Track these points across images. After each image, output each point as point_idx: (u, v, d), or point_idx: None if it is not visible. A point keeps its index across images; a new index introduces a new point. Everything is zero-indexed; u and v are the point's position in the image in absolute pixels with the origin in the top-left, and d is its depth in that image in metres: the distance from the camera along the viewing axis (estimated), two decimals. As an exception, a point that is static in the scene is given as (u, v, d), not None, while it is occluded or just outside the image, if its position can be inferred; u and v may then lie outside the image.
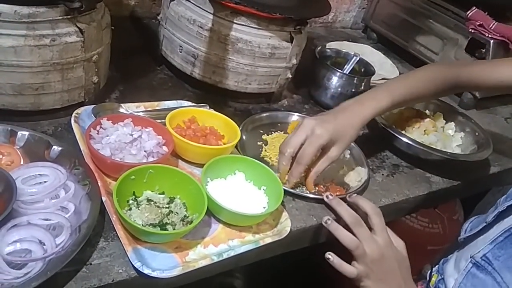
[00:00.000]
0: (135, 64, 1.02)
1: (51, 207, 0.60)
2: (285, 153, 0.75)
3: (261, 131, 0.91)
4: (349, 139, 0.78)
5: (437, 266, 0.83)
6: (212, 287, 1.51)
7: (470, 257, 0.71)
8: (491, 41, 1.22)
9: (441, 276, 0.79)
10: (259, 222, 0.70)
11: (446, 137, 1.02)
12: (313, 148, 0.74)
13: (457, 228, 1.45)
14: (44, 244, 0.55)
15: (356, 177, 0.86)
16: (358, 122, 0.79)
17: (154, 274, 0.55)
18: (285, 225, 0.70)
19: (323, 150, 0.77)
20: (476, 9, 1.26)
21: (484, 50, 1.24)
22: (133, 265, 0.56)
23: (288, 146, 0.75)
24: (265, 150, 0.87)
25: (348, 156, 0.93)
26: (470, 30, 1.26)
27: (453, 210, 1.44)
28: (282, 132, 0.93)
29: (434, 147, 0.95)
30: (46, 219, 0.58)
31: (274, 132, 0.92)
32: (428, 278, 0.83)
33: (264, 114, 0.95)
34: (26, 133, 0.68)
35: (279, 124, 0.95)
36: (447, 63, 1.25)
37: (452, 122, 1.08)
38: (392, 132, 0.94)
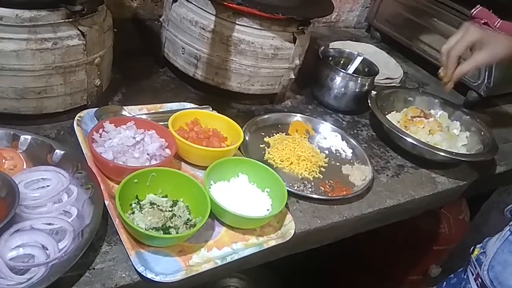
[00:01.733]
0: (138, 66, 1.01)
1: (54, 211, 0.60)
2: (442, 51, 0.91)
3: (263, 133, 0.91)
4: (498, 52, 0.87)
5: (480, 244, 0.83)
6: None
7: (508, 212, 0.76)
8: (496, 39, 1.21)
9: (483, 249, 0.80)
10: (263, 225, 0.69)
11: (451, 136, 1.01)
12: (464, 42, 0.87)
13: (463, 228, 1.44)
14: (47, 249, 0.55)
15: (360, 175, 0.85)
16: (510, 45, 0.88)
17: (157, 278, 0.55)
18: (289, 228, 0.69)
19: (472, 52, 0.88)
20: (481, 7, 1.24)
21: (489, 48, 1.23)
22: (136, 270, 0.56)
23: (446, 43, 0.91)
24: (268, 153, 0.86)
25: (351, 155, 0.92)
26: (475, 28, 1.24)
27: (459, 210, 1.43)
28: (284, 133, 0.92)
29: (439, 147, 0.94)
30: (49, 224, 0.58)
31: (276, 134, 0.91)
32: (471, 251, 0.84)
33: (266, 116, 0.94)
34: (29, 137, 0.68)
35: (279, 126, 0.95)
36: None
37: (457, 122, 1.07)
38: (397, 133, 0.94)
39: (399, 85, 1.24)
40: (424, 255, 1.45)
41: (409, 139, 0.93)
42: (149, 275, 0.55)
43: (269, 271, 1.61)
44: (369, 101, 1.01)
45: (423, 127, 1.00)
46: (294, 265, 1.66)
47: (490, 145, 0.99)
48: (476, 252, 0.81)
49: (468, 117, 1.08)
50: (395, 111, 1.08)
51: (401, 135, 0.93)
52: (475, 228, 1.56)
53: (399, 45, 1.49)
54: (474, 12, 1.25)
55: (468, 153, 1.00)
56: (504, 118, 1.29)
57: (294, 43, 0.92)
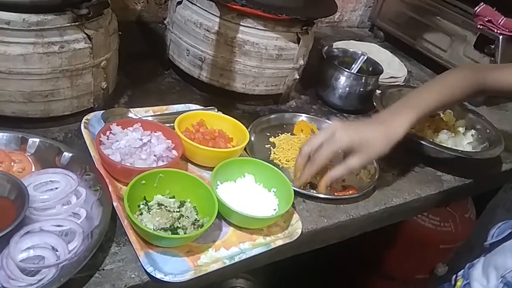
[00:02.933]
0: (143, 68, 1.02)
1: (63, 213, 0.61)
2: (302, 152, 0.75)
3: (268, 134, 0.91)
4: (373, 153, 0.74)
5: (462, 271, 0.81)
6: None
7: (501, 277, 0.69)
8: (500, 37, 1.21)
9: (466, 280, 0.78)
10: (270, 225, 0.69)
11: (457, 134, 1.01)
12: (328, 150, 0.72)
13: (469, 226, 1.44)
14: (57, 251, 0.56)
15: (366, 174, 0.86)
16: (387, 139, 0.75)
17: (166, 278, 0.56)
18: (296, 227, 0.69)
19: (345, 156, 0.75)
20: (484, 4, 1.24)
21: (493, 46, 1.23)
22: (145, 270, 0.56)
23: (307, 144, 0.75)
24: (274, 153, 0.87)
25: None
26: (479, 26, 1.25)
27: (465, 208, 1.43)
28: (289, 133, 0.93)
29: (445, 145, 0.94)
30: (59, 226, 0.59)
31: (281, 134, 0.92)
32: (453, 282, 0.82)
33: (271, 116, 0.95)
34: (37, 140, 0.69)
35: (284, 126, 0.95)
36: (470, 66, 1.19)
37: (463, 120, 1.07)
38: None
39: (403, 84, 1.24)
40: (431, 253, 1.45)
41: (415, 138, 0.93)
42: (158, 275, 0.55)
43: (275, 271, 1.61)
44: (373, 100, 1.01)
45: (429, 126, 1.00)
46: (300, 265, 1.66)
47: (496, 143, 0.99)
48: (459, 284, 0.80)
49: (473, 115, 1.08)
50: None
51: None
52: (481, 226, 1.56)
53: (403, 44, 1.49)
54: (478, 10, 1.25)
55: (473, 151, 1.00)
56: (509, 116, 1.29)
57: (298, 43, 0.93)
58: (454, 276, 0.83)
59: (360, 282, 1.56)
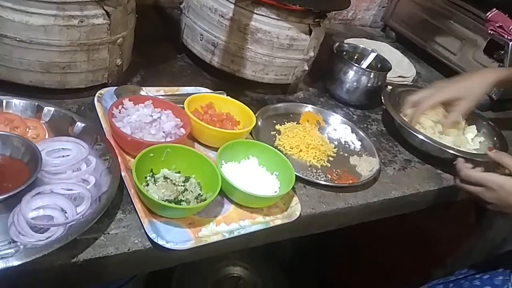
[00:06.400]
0: (157, 51, 1.04)
1: (73, 178, 0.63)
2: (410, 100, 0.97)
3: (274, 121, 0.93)
4: (475, 97, 0.93)
5: None
6: (219, 276, 1.54)
7: None
8: (510, 43, 1.22)
9: None
10: (270, 205, 0.72)
11: (464, 139, 1.03)
12: (433, 100, 0.94)
13: (468, 230, 1.45)
14: (65, 212, 0.58)
15: (367, 166, 0.87)
16: (483, 83, 0.94)
17: (168, 245, 0.58)
18: (295, 209, 0.72)
19: (452, 104, 0.95)
20: (497, 10, 1.25)
21: (502, 52, 1.24)
22: (148, 237, 0.59)
23: (415, 95, 0.97)
24: (279, 139, 0.89)
25: (360, 147, 0.94)
26: (489, 31, 1.25)
27: (465, 213, 1.44)
28: (295, 122, 0.95)
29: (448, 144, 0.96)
30: (68, 189, 0.61)
31: (287, 123, 0.94)
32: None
33: (278, 105, 0.97)
34: (52, 108, 0.71)
35: (291, 115, 0.97)
36: None
37: (474, 125, 1.08)
38: (407, 128, 0.95)
39: (411, 83, 1.26)
40: (429, 256, 1.46)
41: (420, 136, 0.94)
42: (161, 242, 0.58)
43: (273, 262, 1.63)
44: (382, 96, 1.03)
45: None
46: (298, 258, 1.68)
47: (500, 147, 1.00)
48: None
49: (480, 119, 1.09)
50: None
51: (411, 131, 0.95)
52: (480, 232, 1.57)
53: (414, 46, 1.50)
54: (490, 15, 1.26)
55: (475, 152, 1.01)
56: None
57: (310, 35, 0.95)
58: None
59: (358, 280, 1.58)
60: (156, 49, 1.05)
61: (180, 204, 0.64)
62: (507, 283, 0.90)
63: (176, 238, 0.61)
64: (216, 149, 0.75)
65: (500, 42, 1.24)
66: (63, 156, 0.66)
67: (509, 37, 1.23)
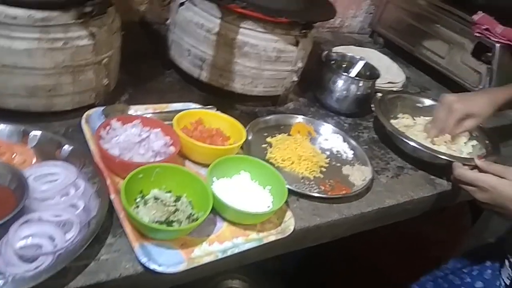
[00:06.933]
0: (145, 68, 1.04)
1: (61, 204, 0.62)
2: (431, 134, 0.98)
3: (265, 134, 0.93)
4: (484, 115, 0.95)
5: None
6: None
7: None
8: (497, 45, 1.23)
9: None
10: (263, 221, 0.71)
11: (458, 143, 1.02)
12: (452, 121, 0.94)
13: (464, 232, 1.45)
14: (54, 239, 0.57)
15: (360, 176, 0.87)
16: (492, 102, 0.96)
17: (160, 269, 0.57)
18: (289, 224, 0.71)
19: (461, 121, 0.95)
20: (483, 13, 1.26)
21: (490, 54, 1.25)
22: (139, 261, 0.58)
23: (433, 128, 0.98)
24: (270, 152, 0.88)
25: (352, 156, 0.94)
26: (476, 34, 1.26)
27: (460, 215, 1.44)
28: (286, 134, 0.94)
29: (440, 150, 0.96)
30: (57, 216, 0.60)
31: (278, 135, 0.93)
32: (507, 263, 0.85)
33: (269, 117, 0.96)
34: (39, 133, 0.70)
35: (282, 127, 0.97)
36: None
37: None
38: (398, 136, 0.95)
39: (401, 89, 1.26)
40: (426, 261, 1.46)
41: (411, 143, 0.94)
42: (152, 266, 0.57)
43: (272, 274, 1.62)
44: (372, 104, 1.03)
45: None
46: (296, 268, 1.67)
47: (492, 150, 1.00)
48: None
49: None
50: (405, 117, 1.09)
51: (403, 138, 0.95)
52: (476, 233, 1.57)
53: (402, 51, 1.51)
54: (476, 18, 1.27)
55: (467, 157, 1.01)
56: (505, 122, 1.30)
57: (297, 46, 0.95)
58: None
59: (356, 286, 1.57)
60: (144, 66, 1.05)
61: (172, 225, 0.63)
62: (498, 278, 0.90)
63: (169, 260, 0.60)
64: (207, 166, 0.74)
65: (487, 45, 1.25)
66: (51, 181, 0.65)
67: (496, 39, 1.23)
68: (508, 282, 0.82)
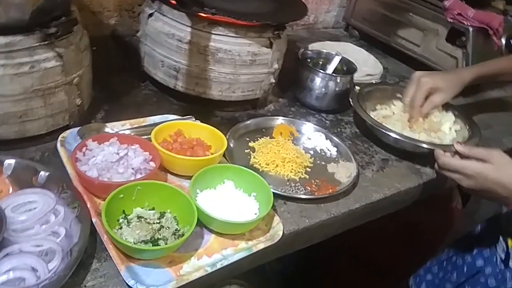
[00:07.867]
0: (119, 82, 1.02)
1: (41, 233, 0.60)
2: (405, 103, 1.00)
3: (247, 139, 0.92)
4: (451, 90, 0.99)
5: None
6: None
7: None
8: (471, 29, 1.24)
9: None
10: (251, 229, 0.70)
11: (440, 131, 1.02)
12: (420, 95, 0.97)
13: (456, 215, 1.46)
14: (37, 271, 0.55)
15: (345, 172, 0.87)
16: (459, 78, 1.00)
17: (148, 290, 0.56)
18: (277, 229, 0.70)
19: (429, 96, 0.98)
20: (453, -2, 1.27)
21: (464, 38, 1.26)
22: (127, 284, 0.57)
23: (405, 96, 1.00)
24: (254, 157, 0.87)
25: (336, 153, 0.93)
26: (449, 19, 1.27)
27: (450, 198, 1.45)
28: (268, 137, 0.93)
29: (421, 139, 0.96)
30: (38, 246, 0.58)
31: (260, 138, 0.93)
32: (504, 244, 0.85)
33: (249, 121, 0.96)
34: (13, 161, 0.68)
35: (263, 130, 0.96)
36: None
37: (450, 112, 1.06)
38: (379, 128, 0.95)
39: (379, 81, 1.26)
40: (422, 248, 1.46)
41: (392, 134, 0.94)
42: (140, 288, 0.56)
43: (270, 275, 1.61)
44: (350, 98, 1.03)
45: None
46: (295, 267, 1.67)
47: (474, 135, 1.01)
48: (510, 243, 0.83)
49: (450, 107, 1.09)
50: (383, 108, 1.09)
51: (384, 130, 0.95)
52: (468, 215, 1.58)
53: (377, 42, 1.51)
54: (448, 4, 1.28)
55: (450, 143, 1.01)
56: (487, 104, 1.31)
57: (271, 48, 0.94)
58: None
59: (355, 281, 1.57)
60: (118, 80, 1.03)
61: (157, 243, 0.62)
62: (495, 254, 0.90)
63: (157, 280, 0.58)
64: (190, 178, 0.73)
65: (461, 29, 1.26)
66: (30, 210, 0.63)
67: (468, 23, 1.24)
68: (503, 256, 0.83)
